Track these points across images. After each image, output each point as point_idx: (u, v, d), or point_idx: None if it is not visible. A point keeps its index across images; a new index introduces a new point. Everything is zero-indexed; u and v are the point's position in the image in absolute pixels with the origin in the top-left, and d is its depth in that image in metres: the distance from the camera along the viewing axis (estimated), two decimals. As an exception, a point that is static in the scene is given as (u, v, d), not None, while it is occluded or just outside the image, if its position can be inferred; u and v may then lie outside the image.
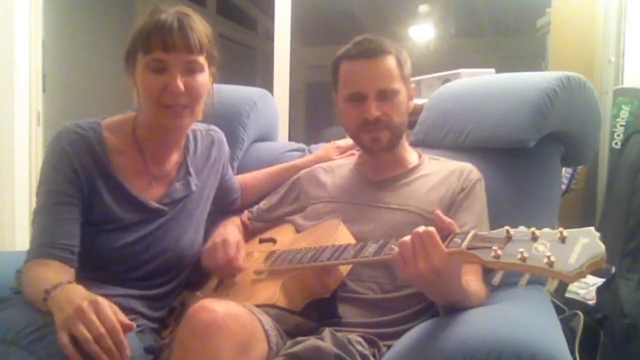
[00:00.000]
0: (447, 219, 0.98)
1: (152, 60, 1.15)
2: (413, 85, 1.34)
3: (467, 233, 0.93)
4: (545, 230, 0.85)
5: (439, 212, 0.99)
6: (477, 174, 1.30)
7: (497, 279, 0.86)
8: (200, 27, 1.19)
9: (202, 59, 1.19)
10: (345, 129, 1.34)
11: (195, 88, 1.18)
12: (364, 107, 1.24)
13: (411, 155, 1.37)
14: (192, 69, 1.18)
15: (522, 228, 0.87)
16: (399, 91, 1.26)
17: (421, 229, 0.92)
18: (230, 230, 1.33)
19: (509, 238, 0.87)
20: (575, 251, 0.79)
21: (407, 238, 0.94)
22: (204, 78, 1.21)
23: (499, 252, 0.85)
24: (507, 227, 0.88)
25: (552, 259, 0.79)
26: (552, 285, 0.80)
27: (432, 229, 0.92)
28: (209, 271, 1.29)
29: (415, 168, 1.34)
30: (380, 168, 1.34)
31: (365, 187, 1.33)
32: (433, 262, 0.90)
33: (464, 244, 0.91)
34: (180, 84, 1.15)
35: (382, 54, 1.25)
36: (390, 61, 1.26)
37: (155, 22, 1.15)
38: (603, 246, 0.78)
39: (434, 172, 1.31)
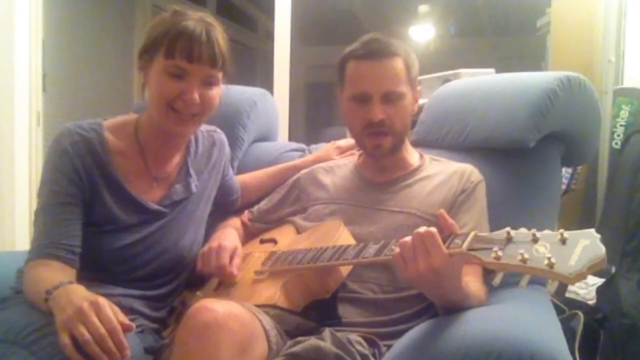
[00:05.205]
0: (451, 220, 0.98)
1: (173, 66, 1.14)
2: (420, 87, 1.32)
3: (467, 234, 0.93)
4: (546, 231, 0.85)
5: (443, 212, 0.99)
6: (478, 176, 1.29)
7: (497, 280, 0.86)
8: (223, 41, 1.19)
9: (220, 75, 1.21)
10: (349, 129, 1.33)
11: (210, 100, 1.19)
12: (369, 108, 1.23)
13: (412, 156, 1.36)
14: (210, 82, 1.18)
15: (522, 229, 0.88)
16: (404, 94, 1.24)
17: (422, 229, 0.92)
18: (229, 234, 1.32)
19: (509, 239, 0.87)
20: (575, 253, 0.79)
21: (408, 238, 0.94)
22: (217, 92, 1.22)
23: (500, 253, 0.85)
24: (507, 229, 0.88)
25: (553, 260, 0.79)
26: (553, 286, 0.80)
27: (433, 229, 0.92)
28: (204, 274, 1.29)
29: (416, 169, 1.33)
30: (381, 170, 1.33)
31: (366, 188, 1.32)
32: (433, 263, 0.90)
33: (465, 245, 0.91)
34: (196, 95, 1.16)
35: (390, 56, 1.23)
36: (398, 63, 1.23)
37: (182, 29, 1.14)
38: (603, 248, 0.78)
39: (436, 174, 1.30)
